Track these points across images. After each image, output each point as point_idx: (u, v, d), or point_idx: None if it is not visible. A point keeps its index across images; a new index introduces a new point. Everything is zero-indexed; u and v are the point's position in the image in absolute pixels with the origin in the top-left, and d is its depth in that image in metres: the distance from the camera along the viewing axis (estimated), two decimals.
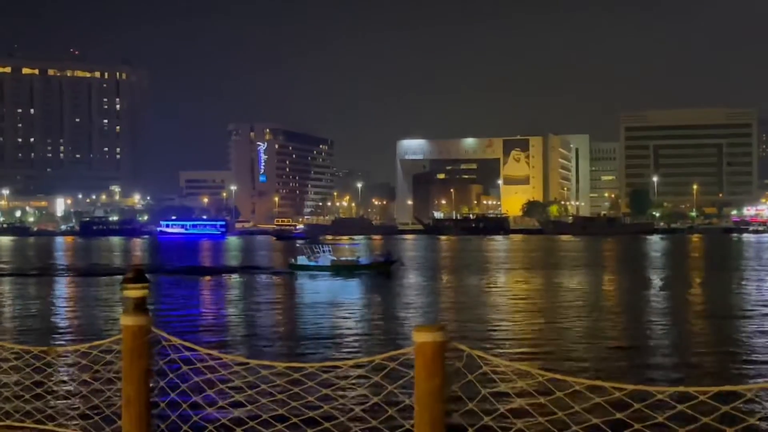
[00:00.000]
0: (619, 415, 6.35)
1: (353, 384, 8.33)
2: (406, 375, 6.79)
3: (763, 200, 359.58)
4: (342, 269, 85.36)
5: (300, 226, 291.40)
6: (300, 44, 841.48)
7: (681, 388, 5.94)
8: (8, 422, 9.88)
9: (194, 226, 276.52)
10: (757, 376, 29.80)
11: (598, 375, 27.05)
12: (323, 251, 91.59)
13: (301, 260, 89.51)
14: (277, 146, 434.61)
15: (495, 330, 43.09)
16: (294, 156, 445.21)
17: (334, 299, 59.48)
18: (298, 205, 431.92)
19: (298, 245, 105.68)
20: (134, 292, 8.25)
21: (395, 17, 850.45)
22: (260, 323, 46.92)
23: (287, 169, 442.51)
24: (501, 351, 34.58)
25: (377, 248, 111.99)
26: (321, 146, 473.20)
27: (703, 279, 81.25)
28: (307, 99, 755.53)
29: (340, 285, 73.72)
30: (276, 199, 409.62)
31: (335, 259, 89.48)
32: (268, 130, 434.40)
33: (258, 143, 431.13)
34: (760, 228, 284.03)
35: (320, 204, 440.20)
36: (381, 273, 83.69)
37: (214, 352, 8.29)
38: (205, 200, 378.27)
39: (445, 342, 6.75)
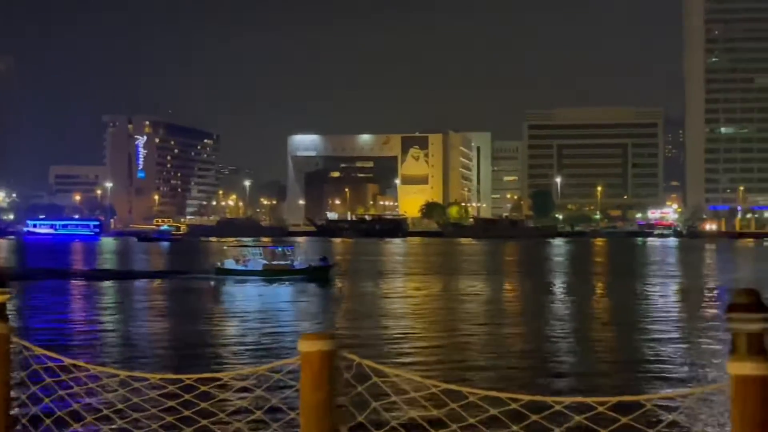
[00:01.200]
0: (515, 427, 6.41)
1: (236, 397, 8.23)
2: (294, 386, 6.73)
3: (669, 203, 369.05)
4: (274, 274, 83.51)
5: (163, 227, 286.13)
6: (187, 35, 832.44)
7: (579, 399, 6.01)
8: None
9: (65, 226, 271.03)
10: (657, 386, 30.50)
11: (497, 385, 27.37)
12: (254, 254, 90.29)
13: (229, 264, 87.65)
14: (157, 140, 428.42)
15: (391, 339, 43.21)
16: (176, 151, 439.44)
17: (250, 307, 59.06)
18: (180, 204, 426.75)
19: (225, 247, 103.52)
20: None
21: (289, 11, 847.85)
22: (147, 334, 46.04)
23: (168, 165, 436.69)
24: (396, 361, 34.61)
25: (314, 252, 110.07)
26: (206, 141, 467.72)
27: (606, 285, 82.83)
28: (192, 92, 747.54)
29: (267, 291, 72.88)
30: (156, 197, 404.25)
31: (267, 263, 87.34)
32: (147, 122, 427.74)
33: (136, 137, 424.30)
34: (665, 232, 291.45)
35: (204, 203, 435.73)
36: (317, 279, 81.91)
37: (81, 363, 8.11)
38: (78, 198, 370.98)
39: (333, 351, 6.71)
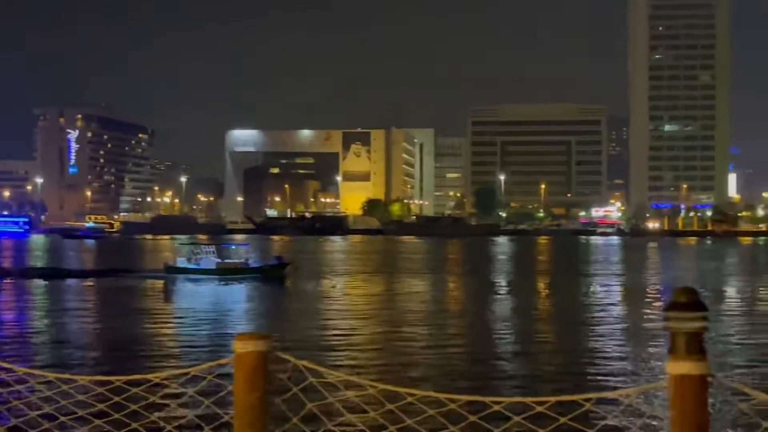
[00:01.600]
0: (452, 428, 6.42)
1: (167, 399, 8.16)
2: (226, 387, 6.69)
3: (612, 201, 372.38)
4: (228, 273, 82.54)
5: (89, 224, 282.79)
6: (122, 26, 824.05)
7: (518, 399, 6.04)
8: None
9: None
10: (599, 385, 30.76)
11: (437, 386, 27.47)
12: (207, 252, 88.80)
13: (181, 262, 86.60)
14: (90, 134, 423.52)
15: (329, 339, 43.27)
16: (110, 146, 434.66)
17: (199, 306, 58.73)
18: (114, 200, 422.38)
19: (177, 245, 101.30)
20: None
21: (232, 2, 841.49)
22: (82, 334, 45.53)
23: (102, 160, 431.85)
24: (334, 362, 34.67)
25: (270, 250, 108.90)
26: (141, 135, 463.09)
27: (548, 284, 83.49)
28: (127, 85, 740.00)
29: (219, 290, 72.40)
30: (88, 193, 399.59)
31: (220, 261, 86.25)
32: (80, 116, 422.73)
33: (68, 131, 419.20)
34: (608, 230, 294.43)
35: (139, 199, 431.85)
36: (273, 277, 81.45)
37: (5, 364, 8.00)
38: (6, 194, 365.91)
39: (267, 352, 6.68)
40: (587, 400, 6.27)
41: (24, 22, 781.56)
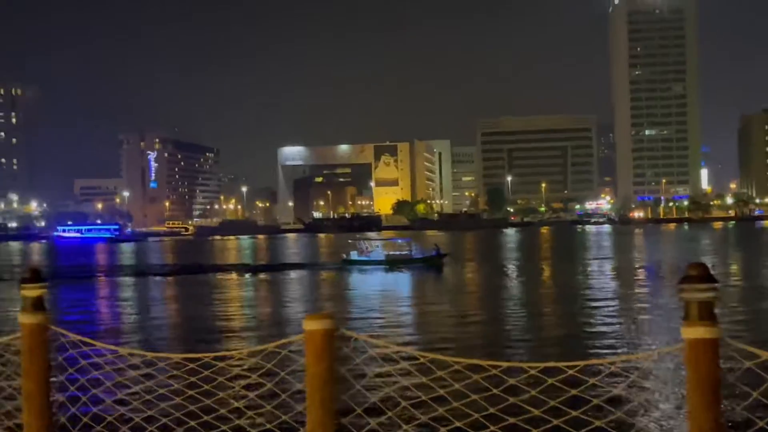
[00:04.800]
0: (495, 391, 6.26)
1: (248, 371, 8.05)
2: (299, 360, 6.56)
3: (603, 195, 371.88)
4: (395, 263, 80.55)
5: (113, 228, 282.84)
6: (188, 57, 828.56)
7: (551, 363, 5.85)
8: None
9: (89, 230, 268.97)
10: (614, 351, 30.30)
11: (477, 355, 27.22)
12: (375, 246, 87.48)
13: (354, 255, 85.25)
14: (166, 155, 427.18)
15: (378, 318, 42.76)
16: (182, 163, 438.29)
17: (374, 291, 56.93)
18: (188, 208, 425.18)
19: (350, 241, 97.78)
20: (31, 291, 7.84)
21: (273, 31, 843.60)
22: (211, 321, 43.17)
23: (176, 176, 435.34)
24: (395, 338, 33.84)
25: (428, 243, 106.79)
26: (207, 154, 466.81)
27: (552, 266, 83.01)
28: (194, 109, 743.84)
29: (389, 278, 69.69)
30: (166, 203, 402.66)
31: (388, 253, 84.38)
32: (157, 139, 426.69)
33: (148, 152, 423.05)
34: (600, 220, 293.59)
35: (208, 207, 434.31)
36: (432, 266, 78.92)
37: (111, 346, 7.90)
38: (99, 206, 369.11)
39: (332, 329, 6.57)
40: (611, 363, 6.12)
41: (106, 59, 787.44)
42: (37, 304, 7.82)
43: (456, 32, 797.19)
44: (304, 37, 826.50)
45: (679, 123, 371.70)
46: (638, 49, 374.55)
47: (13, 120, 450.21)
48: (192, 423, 7.53)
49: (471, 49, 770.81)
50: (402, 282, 65.94)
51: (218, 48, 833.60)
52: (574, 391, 6.08)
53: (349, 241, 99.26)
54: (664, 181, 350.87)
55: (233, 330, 39.28)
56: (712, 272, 5.18)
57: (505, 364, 6.22)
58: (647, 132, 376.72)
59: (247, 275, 78.67)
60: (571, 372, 5.85)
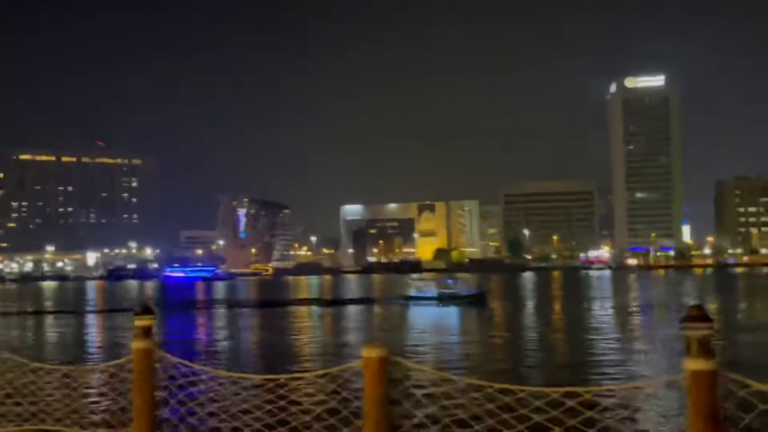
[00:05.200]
0: (523, 411, 5.96)
1: (317, 391, 7.83)
2: (358, 382, 6.33)
3: (603, 246, 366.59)
4: (446, 299, 77.43)
5: (221, 269, 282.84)
6: (264, 127, 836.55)
7: (570, 389, 5.55)
8: (42, 426, 9.16)
9: (191, 271, 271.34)
10: (621, 379, 29.30)
11: (510, 379, 26.55)
12: (429, 284, 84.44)
13: (411, 292, 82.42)
14: (252, 211, 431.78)
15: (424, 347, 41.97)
16: (265, 218, 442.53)
17: (431, 323, 54.73)
18: (268, 254, 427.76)
19: (408, 281, 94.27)
20: (142, 322, 7.77)
21: (325, 107, 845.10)
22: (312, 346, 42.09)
23: (260, 228, 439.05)
24: (443, 363, 32.64)
25: (472, 283, 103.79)
26: (284, 211, 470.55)
27: (562, 303, 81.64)
28: (273, 171, 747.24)
29: (440, 311, 67.13)
30: (252, 250, 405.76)
31: (440, 291, 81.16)
32: (246, 200, 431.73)
33: (238, 210, 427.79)
34: (601, 267, 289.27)
35: (284, 253, 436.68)
36: (476, 302, 76.03)
37: (206, 368, 7.76)
38: (200, 252, 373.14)
39: (386, 357, 6.36)
40: (619, 390, 5.81)
41: (211, 132, 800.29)
42: (147, 333, 7.73)
43: (480, 110, 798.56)
44: (355, 113, 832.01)
45: (665, 188, 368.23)
46: (631, 128, 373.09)
47: (134, 184, 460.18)
48: None
49: (494, 124, 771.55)
50: (451, 315, 63.90)
51: (293, 120, 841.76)
52: (590, 413, 5.77)
53: (407, 280, 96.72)
54: (653, 234, 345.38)
55: (304, 354, 38.63)
56: (708, 313, 4.91)
57: (530, 389, 5.94)
58: (639, 195, 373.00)
59: (316, 307, 77.83)
60: (587, 396, 5.56)
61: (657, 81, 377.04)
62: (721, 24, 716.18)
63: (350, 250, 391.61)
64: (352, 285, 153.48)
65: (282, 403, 7.19)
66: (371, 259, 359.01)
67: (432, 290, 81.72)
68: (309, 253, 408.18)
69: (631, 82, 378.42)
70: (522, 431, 5.93)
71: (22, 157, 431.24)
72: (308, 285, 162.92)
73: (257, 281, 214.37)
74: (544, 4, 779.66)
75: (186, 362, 7.59)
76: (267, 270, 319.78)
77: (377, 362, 6.33)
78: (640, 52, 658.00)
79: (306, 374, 7.26)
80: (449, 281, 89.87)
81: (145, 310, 7.83)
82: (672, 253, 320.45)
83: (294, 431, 7.17)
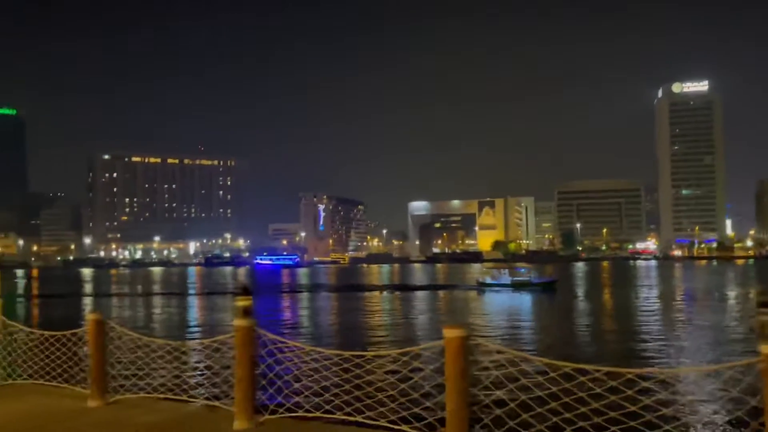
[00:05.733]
0: (585, 392, 5.63)
1: (401, 367, 7.64)
2: (441, 359, 6.10)
3: (648, 238, 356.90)
4: (519, 286, 75.52)
5: (296, 258, 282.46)
6: (343, 130, 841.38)
7: (647, 369, 5.21)
8: (143, 394, 9.24)
9: (278, 259, 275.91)
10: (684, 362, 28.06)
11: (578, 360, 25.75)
12: (502, 273, 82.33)
13: (487, 279, 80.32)
14: (330, 207, 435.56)
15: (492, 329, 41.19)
16: (341, 213, 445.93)
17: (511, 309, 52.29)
18: (344, 245, 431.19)
19: (484, 269, 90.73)
20: (242, 302, 7.72)
21: (402, 109, 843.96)
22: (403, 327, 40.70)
23: (337, 222, 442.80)
24: (519, 344, 31.33)
25: (543, 272, 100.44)
26: (358, 207, 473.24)
27: (621, 290, 79.46)
28: (349, 170, 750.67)
29: (514, 297, 64.53)
30: (330, 241, 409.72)
31: (513, 279, 79.04)
32: (325, 196, 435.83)
33: (319, 205, 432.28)
34: (648, 257, 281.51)
35: (359, 244, 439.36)
36: (547, 289, 73.98)
37: (299, 344, 7.65)
38: (285, 242, 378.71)
39: (466, 337, 6.12)
40: (698, 371, 5.43)
41: (295, 136, 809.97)
42: (247, 312, 7.67)
43: (533, 115, 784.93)
44: (430, 120, 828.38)
45: (709, 185, 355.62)
46: (677, 130, 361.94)
47: (228, 182, 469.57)
48: (356, 405, 7.18)
49: (549, 127, 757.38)
50: (525, 301, 61.69)
51: (370, 121, 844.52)
52: (664, 393, 5.42)
53: (483, 269, 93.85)
54: (696, 228, 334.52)
55: (384, 334, 37.84)
56: None
57: (605, 369, 5.61)
58: (684, 192, 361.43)
59: (385, 293, 76.76)
60: (661, 376, 5.21)
61: (702, 86, 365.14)
62: (763, 30, 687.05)
63: (417, 242, 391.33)
64: (419, 273, 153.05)
65: (369, 377, 7.02)
66: (436, 250, 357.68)
67: (506, 278, 79.36)
68: (380, 244, 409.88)
69: (677, 88, 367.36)
70: (598, 409, 5.61)
71: (134, 159, 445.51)
72: (379, 272, 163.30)
73: (335, 269, 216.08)
74: (595, 21, 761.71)
75: (281, 338, 7.50)
76: (343, 259, 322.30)
77: (458, 341, 6.12)
78: (686, 59, 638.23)
79: (392, 352, 7.07)
80: (522, 270, 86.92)
81: (245, 292, 7.78)
82: (715, 244, 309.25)
83: (380, 404, 6.99)
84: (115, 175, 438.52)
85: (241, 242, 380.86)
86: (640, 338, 34.02)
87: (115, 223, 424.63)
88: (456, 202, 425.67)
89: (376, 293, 77.38)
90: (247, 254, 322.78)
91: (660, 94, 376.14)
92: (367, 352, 6.97)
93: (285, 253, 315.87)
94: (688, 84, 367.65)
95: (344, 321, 45.93)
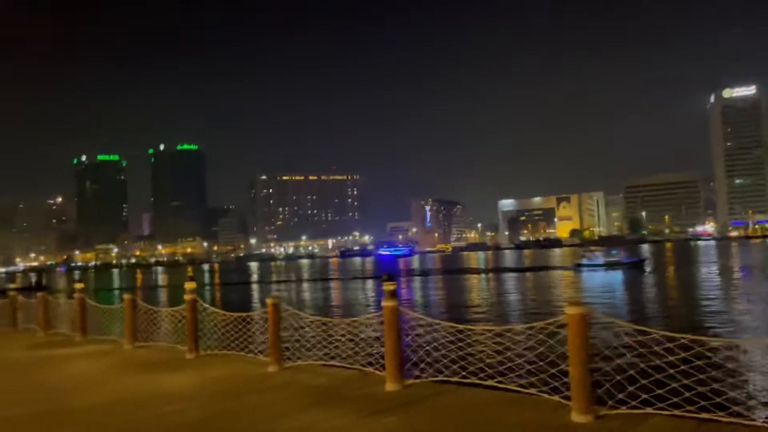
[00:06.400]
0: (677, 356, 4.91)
1: (528, 339, 7.15)
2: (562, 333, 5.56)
3: (707, 222, 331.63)
4: (611, 265, 70.56)
5: (407, 247, 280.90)
6: (445, 146, 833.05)
7: (735, 340, 4.48)
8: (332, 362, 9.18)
9: (396, 250, 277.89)
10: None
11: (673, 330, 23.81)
12: (596, 254, 77.41)
13: (584, 261, 75.18)
14: (435, 208, 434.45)
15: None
16: (444, 212, 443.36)
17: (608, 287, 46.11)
18: (447, 237, 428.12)
19: (583, 252, 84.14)
20: (389, 286, 7.48)
21: (482, 121, 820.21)
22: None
23: (440, 219, 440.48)
24: (629, 317, 26.78)
25: (629, 253, 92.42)
26: (457, 206, 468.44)
27: (680, 268, 73.60)
28: (451, 177, 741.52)
29: (609, 276, 58.16)
30: (436, 234, 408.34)
31: (606, 260, 73.94)
32: (430, 200, 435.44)
33: (425, 207, 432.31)
34: (707, 238, 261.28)
35: (459, 235, 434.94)
36: (636, 268, 68.42)
37: (432, 319, 7.30)
38: (400, 237, 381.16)
39: (586, 312, 5.55)
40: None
41: (402, 149, 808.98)
42: (393, 294, 7.43)
43: (601, 115, 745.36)
44: (509, 132, 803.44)
45: (759, 175, 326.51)
46: (728, 129, 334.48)
47: (354, 192, 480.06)
48: (489, 371, 6.76)
49: (619, 128, 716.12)
50: (619, 279, 55.08)
51: (457, 138, 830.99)
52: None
53: (582, 253, 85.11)
54: (750, 211, 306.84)
55: (518, 308, 33.46)
56: None
57: (715, 341, 4.89)
58: (737, 181, 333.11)
59: (483, 275, 72.80)
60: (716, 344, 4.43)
61: (749, 90, 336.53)
62: None
63: (506, 233, 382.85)
64: (509, 258, 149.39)
65: (500, 348, 6.59)
66: (522, 238, 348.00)
67: (600, 259, 74.19)
68: (476, 235, 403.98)
69: (727, 93, 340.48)
70: (715, 376, 4.91)
71: (284, 177, 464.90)
72: (477, 258, 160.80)
73: (440, 256, 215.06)
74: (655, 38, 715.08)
75: (422, 316, 7.20)
76: (447, 248, 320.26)
77: (579, 317, 5.57)
78: (736, 58, 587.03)
79: (517, 326, 6.60)
80: (614, 251, 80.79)
81: (390, 278, 7.54)
82: (767, 225, 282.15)
83: (510, 370, 6.53)
84: (270, 190, 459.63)
85: (366, 238, 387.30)
86: (735, 308, 29.89)
87: (273, 227, 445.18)
88: (537, 199, 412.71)
89: (477, 276, 75.20)
90: (371, 247, 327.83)
91: (712, 99, 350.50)
92: (495, 327, 6.53)
93: (401, 245, 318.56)
94: (737, 89, 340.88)
95: (452, 299, 44.25)
